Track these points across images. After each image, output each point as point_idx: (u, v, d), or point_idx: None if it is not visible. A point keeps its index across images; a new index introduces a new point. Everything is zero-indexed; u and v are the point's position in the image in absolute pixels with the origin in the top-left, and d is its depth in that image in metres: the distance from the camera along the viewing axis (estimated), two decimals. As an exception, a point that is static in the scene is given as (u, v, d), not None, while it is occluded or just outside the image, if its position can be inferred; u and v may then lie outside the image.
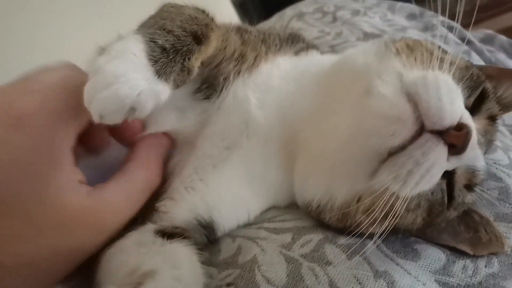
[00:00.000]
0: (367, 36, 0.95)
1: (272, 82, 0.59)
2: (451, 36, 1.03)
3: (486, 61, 1.03)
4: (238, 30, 0.64)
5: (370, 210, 0.49)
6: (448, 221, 0.54)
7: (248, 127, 0.58)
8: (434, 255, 0.52)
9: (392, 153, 0.46)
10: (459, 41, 1.03)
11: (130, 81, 0.40)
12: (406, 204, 0.48)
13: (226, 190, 0.59)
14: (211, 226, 0.59)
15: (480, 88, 0.53)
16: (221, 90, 0.58)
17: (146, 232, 0.54)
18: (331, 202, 0.54)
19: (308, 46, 0.68)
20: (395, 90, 0.47)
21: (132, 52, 0.42)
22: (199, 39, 0.49)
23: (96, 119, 0.40)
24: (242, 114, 0.57)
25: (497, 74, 0.61)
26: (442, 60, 0.51)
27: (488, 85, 0.56)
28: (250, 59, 0.59)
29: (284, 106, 0.58)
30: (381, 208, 0.47)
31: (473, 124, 0.46)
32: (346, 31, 0.98)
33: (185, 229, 0.57)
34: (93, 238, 0.47)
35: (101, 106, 0.39)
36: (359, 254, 0.51)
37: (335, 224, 0.55)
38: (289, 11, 1.17)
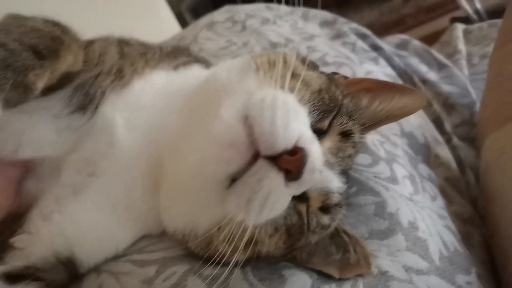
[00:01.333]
0: (273, 46, 0.93)
1: (143, 100, 0.55)
2: (360, 43, 1.03)
3: (396, 67, 1.04)
4: (119, 43, 0.60)
5: (230, 238, 0.46)
6: (316, 243, 0.52)
7: (111, 151, 0.53)
8: (300, 282, 0.50)
9: (235, 180, 0.44)
10: (368, 48, 1.03)
11: None
12: (260, 231, 0.47)
13: (88, 221, 0.54)
14: (72, 262, 0.54)
15: (335, 110, 0.51)
16: (97, 106, 0.53)
17: None
18: (194, 231, 0.52)
19: (192, 60, 0.65)
20: (234, 112, 0.44)
21: None
22: (41, 54, 0.44)
23: None
24: (107, 136, 0.53)
25: (374, 87, 0.61)
26: (297, 78, 0.49)
27: (345, 103, 0.54)
28: (128, 75, 0.55)
29: (153, 128, 0.54)
30: (238, 236, 0.45)
31: (313, 147, 0.44)
32: (253, 41, 0.96)
33: (38, 268, 0.51)
34: None
35: None
36: (223, 285, 0.48)
37: (202, 253, 0.52)
38: (203, 20, 1.13)
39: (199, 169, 0.47)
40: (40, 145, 0.52)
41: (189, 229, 0.52)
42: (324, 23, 1.10)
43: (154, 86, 0.57)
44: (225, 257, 0.48)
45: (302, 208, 0.49)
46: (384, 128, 0.76)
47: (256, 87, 0.48)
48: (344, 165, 0.52)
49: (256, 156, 0.42)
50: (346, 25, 1.09)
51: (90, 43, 0.57)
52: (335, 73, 0.64)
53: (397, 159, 0.69)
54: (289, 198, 0.46)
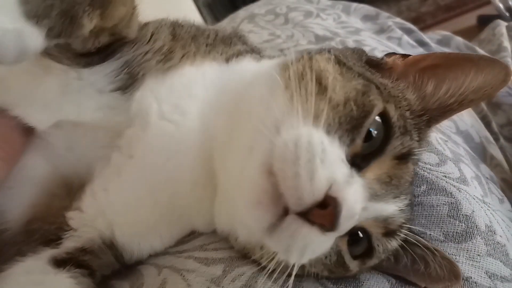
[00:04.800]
0: (318, 39, 0.90)
1: (195, 89, 0.53)
2: (405, 38, 1.00)
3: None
4: (172, 24, 0.57)
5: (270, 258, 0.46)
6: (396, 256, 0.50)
7: (145, 135, 0.51)
8: (378, 286, 0.48)
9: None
10: (414, 43, 1.00)
11: None
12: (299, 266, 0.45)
13: (126, 203, 0.52)
14: (116, 247, 0.53)
15: (368, 121, 0.43)
16: (136, 88, 0.51)
17: (38, 260, 0.49)
18: (234, 234, 0.52)
19: (247, 50, 0.61)
20: (258, 163, 0.42)
21: None
22: None
23: None
24: (141, 120, 0.51)
25: (442, 62, 0.51)
26: (330, 97, 0.44)
27: (392, 112, 0.45)
28: (177, 58, 0.53)
29: (204, 121, 0.52)
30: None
31: (349, 191, 0.40)
32: (298, 34, 0.93)
33: (86, 251, 0.51)
34: None
35: None
36: None
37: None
38: (241, 12, 1.10)
39: (236, 211, 0.47)
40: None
41: (232, 234, 0.52)
42: (367, 17, 1.07)
43: (206, 78, 0.54)
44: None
45: (342, 244, 0.46)
46: (443, 127, 0.73)
47: (283, 116, 0.43)
48: (402, 189, 0.46)
49: (287, 210, 0.40)
50: (390, 19, 1.06)
51: (145, 23, 0.55)
52: (391, 54, 0.56)
53: (462, 159, 0.65)
54: (332, 240, 0.44)
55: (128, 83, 0.50)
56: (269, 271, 0.45)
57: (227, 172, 0.50)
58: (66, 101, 0.49)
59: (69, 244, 0.51)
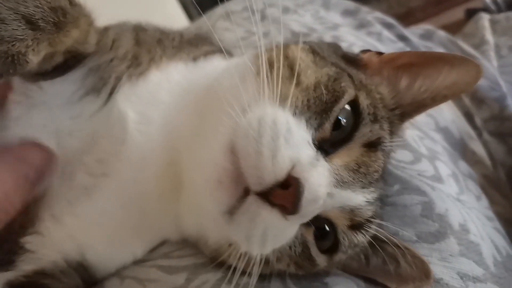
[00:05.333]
0: (295, 36, 0.88)
1: (160, 95, 0.50)
2: (386, 33, 0.98)
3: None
4: (135, 29, 0.55)
5: (240, 257, 0.44)
6: (366, 256, 0.48)
7: (124, 148, 0.48)
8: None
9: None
10: (394, 38, 0.98)
11: None
12: (268, 256, 0.44)
13: (100, 225, 0.49)
14: (85, 268, 0.50)
15: (338, 106, 0.42)
16: (111, 92, 0.48)
17: None
18: (204, 240, 0.49)
19: (214, 51, 0.59)
20: (221, 142, 0.40)
21: None
22: (35, 24, 0.39)
23: None
24: (119, 131, 0.48)
25: (416, 61, 0.51)
26: (301, 81, 0.43)
27: (362, 99, 0.45)
28: (145, 63, 0.50)
29: (169, 126, 0.49)
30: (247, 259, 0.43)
31: (313, 173, 0.38)
32: (274, 31, 0.90)
33: (46, 274, 0.48)
34: None
35: None
36: None
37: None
38: (219, 10, 1.08)
39: (197, 198, 0.44)
40: (57, 135, 0.47)
41: (200, 238, 0.49)
42: (347, 12, 1.05)
43: (171, 81, 0.52)
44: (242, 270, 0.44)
45: (308, 234, 0.44)
46: (420, 124, 0.72)
47: (251, 100, 0.42)
48: (370, 179, 0.44)
49: (247, 191, 0.38)
50: (370, 14, 1.04)
51: (105, 29, 0.53)
52: (365, 51, 0.56)
53: (439, 156, 0.64)
54: (296, 227, 0.42)
55: (100, 85, 0.48)
56: (236, 272, 0.43)
57: (192, 164, 0.47)
58: (35, 114, 0.46)
59: (25, 267, 0.48)
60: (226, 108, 0.42)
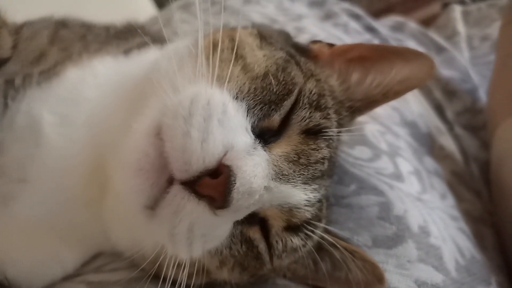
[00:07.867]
0: (255, 27, 0.83)
1: (84, 93, 0.45)
2: (352, 24, 0.94)
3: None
4: (56, 25, 0.51)
5: (175, 265, 0.38)
6: (314, 260, 0.43)
7: (39, 152, 0.43)
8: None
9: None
10: (361, 29, 0.94)
11: None
12: (204, 262, 0.39)
13: (21, 237, 0.44)
14: (6, 286, 0.44)
15: (291, 99, 0.39)
16: (16, 98, 0.43)
17: None
18: (141, 251, 0.42)
19: (149, 41, 0.54)
20: (146, 124, 0.35)
21: None
22: None
23: None
24: (32, 135, 0.43)
25: (368, 54, 0.49)
26: (245, 65, 0.40)
27: (310, 87, 0.42)
28: (50, 61, 0.45)
29: (96, 125, 0.44)
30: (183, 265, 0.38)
31: (248, 161, 0.33)
32: (233, 22, 0.85)
33: None
34: None
35: None
36: None
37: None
38: (178, 1, 1.02)
39: (118, 196, 0.38)
40: None
41: (136, 249, 0.42)
42: (313, 3, 1.01)
43: (97, 75, 0.47)
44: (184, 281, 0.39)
45: (253, 233, 0.39)
46: (383, 118, 0.68)
47: (185, 82, 0.38)
48: (312, 172, 0.40)
49: (172, 180, 0.33)
50: (337, 5, 1.00)
51: (20, 27, 0.48)
52: (316, 41, 0.53)
53: (401, 152, 0.60)
54: (228, 225, 0.37)
55: (6, 92, 0.43)
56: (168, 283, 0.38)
57: (114, 158, 0.41)
58: None
59: None
60: (158, 92, 0.37)
